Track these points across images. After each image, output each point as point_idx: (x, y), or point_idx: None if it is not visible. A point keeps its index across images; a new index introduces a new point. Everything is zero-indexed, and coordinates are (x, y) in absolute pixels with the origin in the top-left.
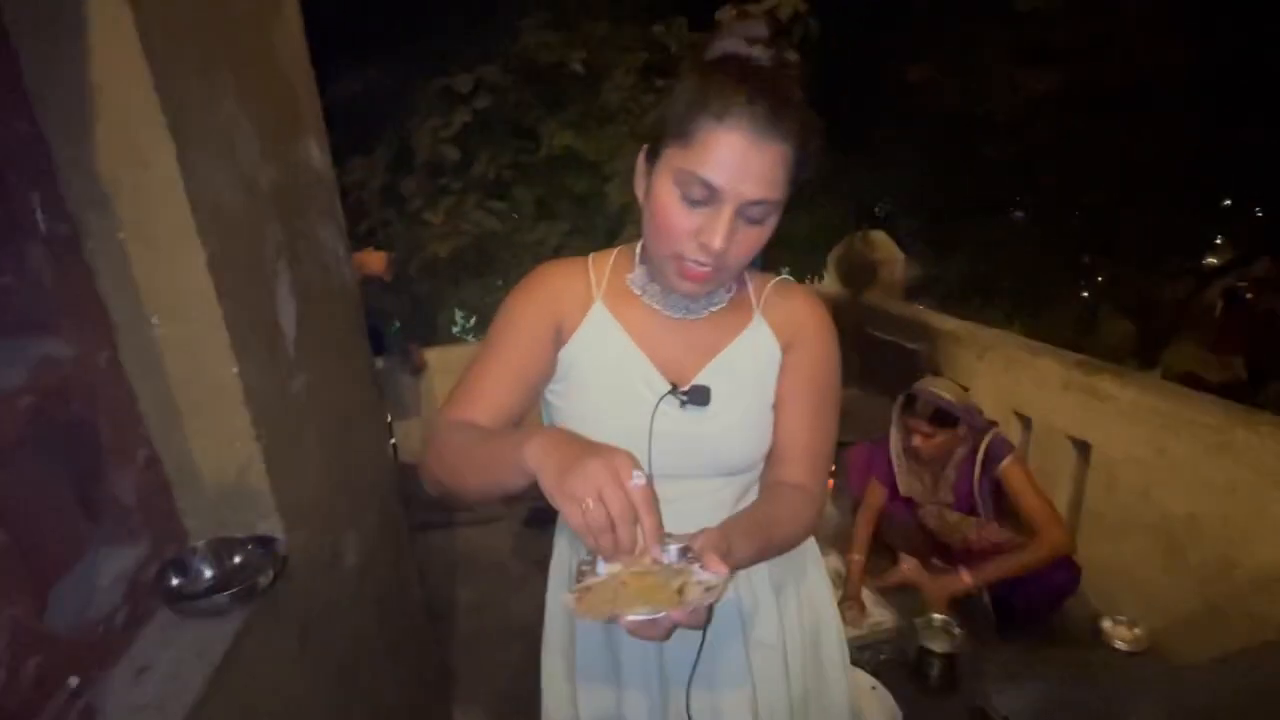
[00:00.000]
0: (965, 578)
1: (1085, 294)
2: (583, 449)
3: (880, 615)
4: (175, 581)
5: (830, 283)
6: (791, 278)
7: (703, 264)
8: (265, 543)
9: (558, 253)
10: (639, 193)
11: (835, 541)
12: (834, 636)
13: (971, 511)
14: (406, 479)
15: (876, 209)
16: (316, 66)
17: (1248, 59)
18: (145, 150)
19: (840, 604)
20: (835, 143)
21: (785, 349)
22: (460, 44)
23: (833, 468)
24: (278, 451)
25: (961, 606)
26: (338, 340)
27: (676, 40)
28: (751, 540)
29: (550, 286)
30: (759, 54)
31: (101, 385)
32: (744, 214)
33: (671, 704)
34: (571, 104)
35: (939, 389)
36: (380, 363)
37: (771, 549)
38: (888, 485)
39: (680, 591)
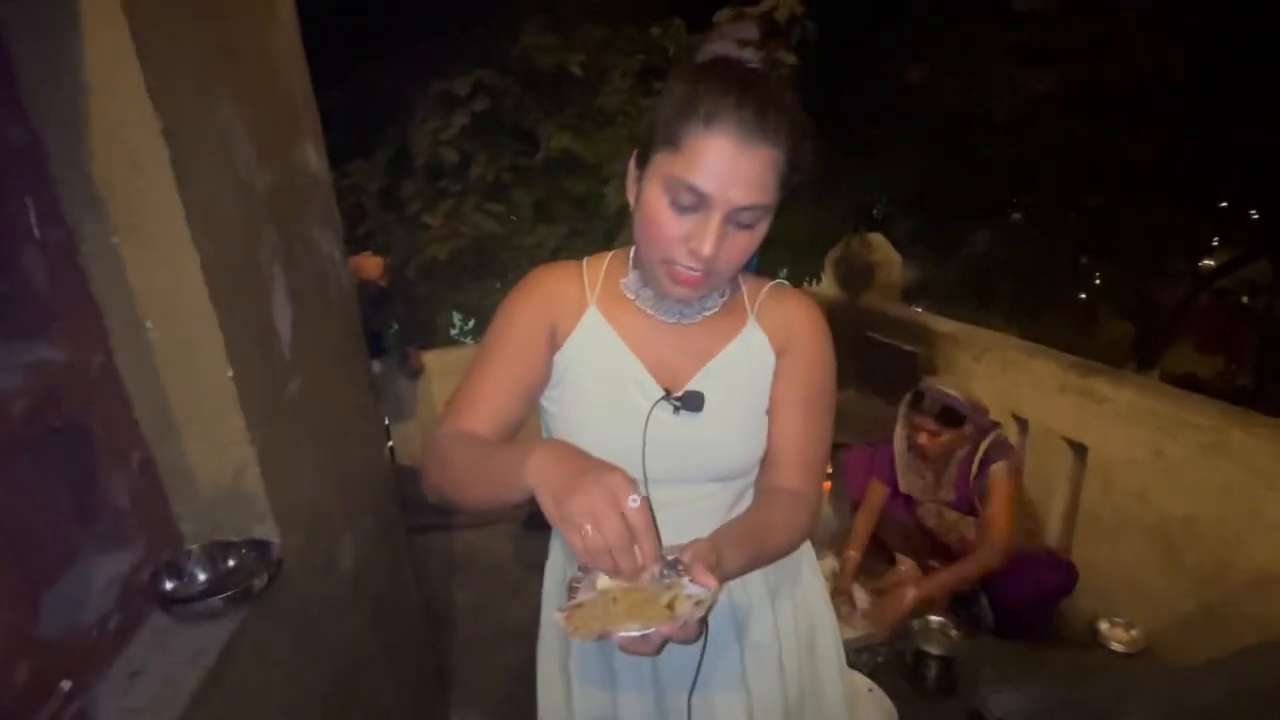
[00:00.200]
0: (908, 595)
1: (1084, 295)
2: (580, 469)
3: (865, 628)
4: (169, 585)
5: (828, 285)
6: (788, 281)
7: (693, 269)
8: (260, 546)
9: (556, 255)
10: (630, 198)
11: (831, 544)
12: (830, 638)
13: (970, 511)
14: (404, 481)
15: (875, 211)
16: (314, 69)
17: (1247, 59)
18: (140, 154)
19: (831, 598)
20: (833, 144)
21: (779, 354)
22: (459, 47)
23: (829, 470)
24: (273, 455)
25: (959, 608)
26: (333, 344)
27: (675, 43)
28: (743, 549)
29: (545, 290)
30: (749, 56)
31: (96, 389)
32: (734, 219)
33: (668, 707)
34: (570, 106)
35: (947, 387)
36: (378, 365)
37: (765, 556)
38: (889, 484)
39: (670, 606)
